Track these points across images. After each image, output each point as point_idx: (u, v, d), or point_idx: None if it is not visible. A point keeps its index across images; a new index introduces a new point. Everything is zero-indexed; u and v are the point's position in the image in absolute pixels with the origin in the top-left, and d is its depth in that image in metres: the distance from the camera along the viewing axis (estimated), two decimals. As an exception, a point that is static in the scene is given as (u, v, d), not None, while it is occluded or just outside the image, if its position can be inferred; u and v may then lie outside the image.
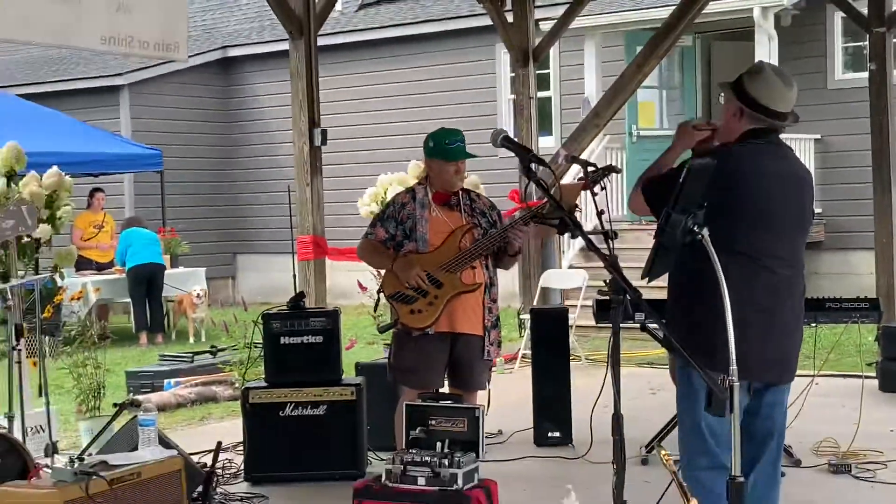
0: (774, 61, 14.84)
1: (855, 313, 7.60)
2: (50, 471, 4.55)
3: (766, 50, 14.70)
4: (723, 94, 4.58)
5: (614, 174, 5.36)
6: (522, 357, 10.59)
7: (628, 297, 3.72)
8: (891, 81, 10.39)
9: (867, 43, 10.56)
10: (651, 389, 8.75)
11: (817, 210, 15.27)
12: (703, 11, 11.47)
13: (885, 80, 10.27)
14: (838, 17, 14.94)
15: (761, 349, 4.32)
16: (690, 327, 4.21)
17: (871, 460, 6.85)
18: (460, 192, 6.34)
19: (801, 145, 15.10)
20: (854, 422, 7.23)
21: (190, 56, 10.98)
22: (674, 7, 11.54)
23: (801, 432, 7.26)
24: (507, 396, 8.34)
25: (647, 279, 4.20)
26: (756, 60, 15.20)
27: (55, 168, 13.18)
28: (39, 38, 7.76)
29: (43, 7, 7.27)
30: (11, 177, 11.98)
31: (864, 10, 10.35)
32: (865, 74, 10.70)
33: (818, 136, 15.27)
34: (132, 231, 15.00)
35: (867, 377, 8.76)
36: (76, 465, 4.49)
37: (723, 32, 16.06)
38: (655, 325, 4.68)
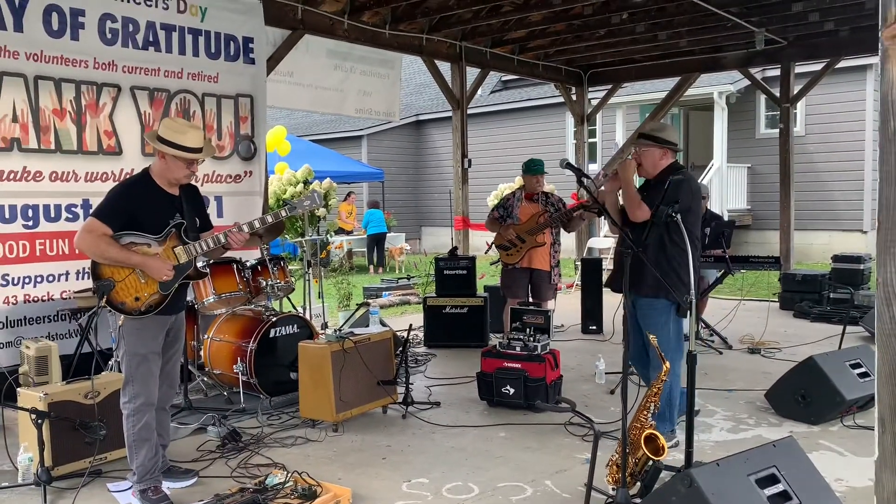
0: (725, 125, 14.39)
1: (767, 265, 7.35)
2: (324, 336, 4.74)
3: (722, 116, 14.16)
4: (640, 147, 4.13)
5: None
6: (576, 285, 10.49)
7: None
8: (792, 135, 9.98)
9: (779, 112, 10.11)
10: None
11: (748, 206, 14.73)
12: (685, 94, 11.10)
13: (788, 133, 9.89)
14: (762, 97, 14.32)
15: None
16: (672, 272, 3.94)
17: (772, 346, 6.64)
18: (540, 193, 6.33)
19: (739, 171, 14.54)
20: (763, 325, 7.12)
21: (400, 119, 11.20)
22: (666, 92, 11.22)
23: (733, 330, 7.09)
24: (567, 306, 8.29)
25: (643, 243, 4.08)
26: (711, 123, 14.58)
27: (328, 179, 13.66)
28: (324, 109, 7.98)
29: (326, 94, 7.52)
30: (306, 182, 12.52)
31: (777, 93, 9.96)
32: (777, 130, 10.26)
33: (750, 165, 14.68)
34: (372, 211, 15.24)
35: (772, 301, 8.48)
36: (337, 334, 4.67)
37: (695, 106, 15.48)
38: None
